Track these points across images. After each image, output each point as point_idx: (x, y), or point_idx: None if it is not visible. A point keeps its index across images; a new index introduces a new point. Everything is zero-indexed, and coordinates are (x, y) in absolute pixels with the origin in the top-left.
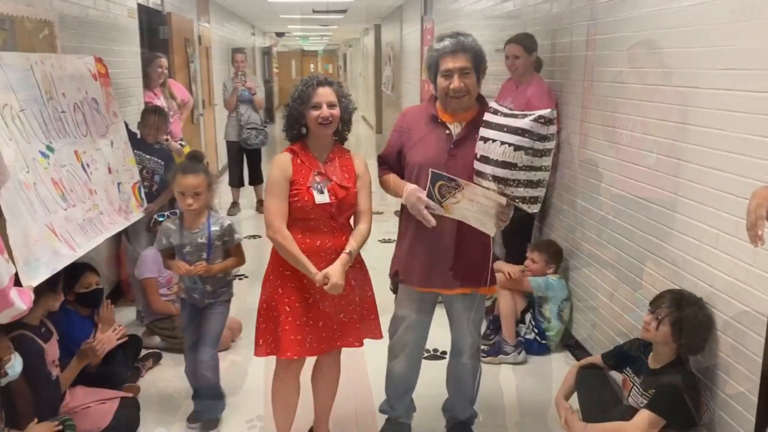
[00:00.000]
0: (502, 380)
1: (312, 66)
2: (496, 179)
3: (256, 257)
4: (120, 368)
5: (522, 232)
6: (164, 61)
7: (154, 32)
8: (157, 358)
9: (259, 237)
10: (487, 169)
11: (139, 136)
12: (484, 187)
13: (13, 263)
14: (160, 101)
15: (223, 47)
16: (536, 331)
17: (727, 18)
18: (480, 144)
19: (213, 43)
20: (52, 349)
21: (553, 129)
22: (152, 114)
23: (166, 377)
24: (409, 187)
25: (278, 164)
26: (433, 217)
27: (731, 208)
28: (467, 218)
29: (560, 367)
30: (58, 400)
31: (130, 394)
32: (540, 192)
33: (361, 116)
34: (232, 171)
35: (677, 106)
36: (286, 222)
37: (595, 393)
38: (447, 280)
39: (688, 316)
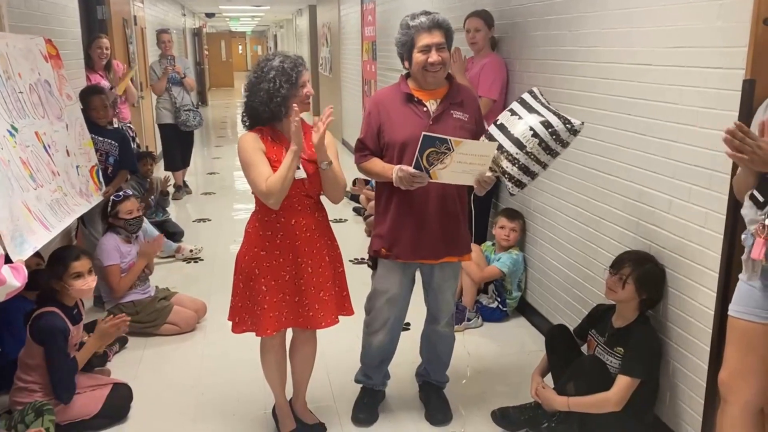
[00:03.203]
0: (467, 346)
1: (240, 47)
2: (501, 148)
3: (209, 240)
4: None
5: (484, 209)
6: (106, 41)
7: (92, 12)
8: (123, 342)
9: (209, 220)
10: (500, 137)
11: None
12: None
13: (0, 241)
14: (106, 84)
15: (156, 28)
16: (498, 300)
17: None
18: (506, 114)
19: (147, 23)
20: (77, 333)
21: (572, 139)
22: (94, 95)
23: (161, 364)
24: (396, 167)
25: (248, 141)
26: (416, 191)
27: (683, 175)
28: (453, 179)
29: (518, 331)
30: (74, 385)
31: (124, 381)
32: (528, 181)
33: None
34: (172, 154)
35: (631, 82)
36: None
37: (561, 350)
38: (434, 251)
39: (648, 272)
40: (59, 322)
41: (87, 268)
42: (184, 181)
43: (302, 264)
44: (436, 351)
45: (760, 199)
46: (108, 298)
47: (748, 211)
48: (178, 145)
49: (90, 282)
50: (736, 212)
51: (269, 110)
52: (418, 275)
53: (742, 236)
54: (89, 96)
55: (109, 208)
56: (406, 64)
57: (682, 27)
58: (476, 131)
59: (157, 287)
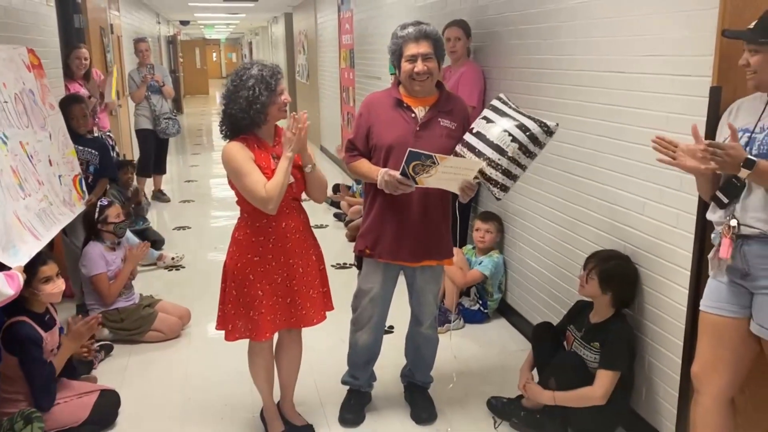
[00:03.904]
0: (450, 347)
1: (215, 55)
2: (483, 156)
3: (190, 248)
4: (76, 361)
5: (464, 214)
6: (85, 51)
7: (70, 21)
8: (108, 350)
9: (189, 228)
10: (479, 145)
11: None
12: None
13: None
14: (84, 92)
15: (132, 36)
16: (480, 302)
17: (648, 9)
18: (480, 122)
19: (123, 32)
20: (52, 338)
21: (548, 140)
22: (74, 104)
23: (147, 371)
24: (382, 170)
25: (237, 150)
26: (401, 196)
27: (657, 178)
28: (438, 185)
29: (499, 332)
30: (54, 391)
31: (111, 387)
32: (511, 184)
33: None
34: (147, 160)
35: (604, 89)
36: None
37: (546, 346)
38: (414, 253)
39: (612, 268)
40: (29, 330)
41: (55, 272)
42: (161, 189)
43: (293, 265)
44: (420, 352)
45: (724, 200)
46: (96, 305)
47: (712, 214)
48: (154, 151)
49: (60, 285)
50: (705, 212)
51: (248, 117)
52: (402, 278)
53: (712, 236)
54: (69, 105)
55: (97, 214)
56: (398, 71)
57: (652, 36)
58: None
59: (141, 295)
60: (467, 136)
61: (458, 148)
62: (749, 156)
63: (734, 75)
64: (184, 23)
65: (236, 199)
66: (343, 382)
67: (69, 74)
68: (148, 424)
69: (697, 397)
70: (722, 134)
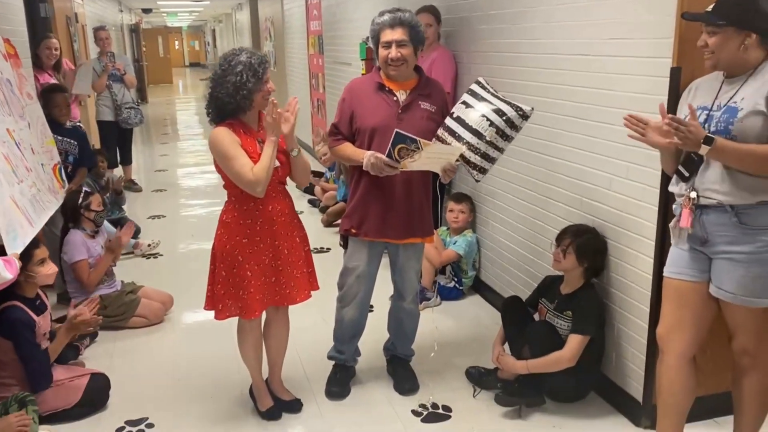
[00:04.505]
0: (428, 323)
1: (177, 43)
2: (462, 140)
3: (165, 236)
4: (65, 348)
5: (438, 197)
6: (55, 41)
7: (36, 10)
8: (93, 336)
9: (163, 217)
10: (459, 129)
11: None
12: (445, 142)
13: None
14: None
15: (95, 25)
16: (455, 280)
17: None
18: (460, 106)
19: (87, 20)
20: (44, 322)
21: (524, 124)
22: (57, 93)
23: (133, 355)
24: (368, 153)
25: (224, 134)
26: (385, 177)
27: (621, 155)
28: (421, 168)
29: (474, 308)
30: (49, 372)
31: (102, 371)
32: (490, 166)
33: None
34: (109, 152)
35: (571, 71)
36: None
37: (515, 319)
38: (399, 231)
39: (588, 242)
40: (22, 314)
41: (47, 254)
42: (132, 179)
43: (279, 246)
44: (402, 326)
45: (685, 173)
46: (77, 294)
47: (674, 186)
48: (117, 142)
49: (53, 267)
50: (668, 185)
51: (234, 102)
52: (385, 257)
53: (673, 207)
54: (52, 94)
55: (81, 200)
56: (376, 57)
57: (615, 20)
58: (442, 122)
59: (123, 282)
60: (448, 121)
61: (440, 132)
62: (708, 134)
63: (693, 56)
64: (147, 11)
65: (223, 183)
66: (329, 357)
67: (38, 64)
68: (139, 405)
69: (662, 357)
70: (682, 112)
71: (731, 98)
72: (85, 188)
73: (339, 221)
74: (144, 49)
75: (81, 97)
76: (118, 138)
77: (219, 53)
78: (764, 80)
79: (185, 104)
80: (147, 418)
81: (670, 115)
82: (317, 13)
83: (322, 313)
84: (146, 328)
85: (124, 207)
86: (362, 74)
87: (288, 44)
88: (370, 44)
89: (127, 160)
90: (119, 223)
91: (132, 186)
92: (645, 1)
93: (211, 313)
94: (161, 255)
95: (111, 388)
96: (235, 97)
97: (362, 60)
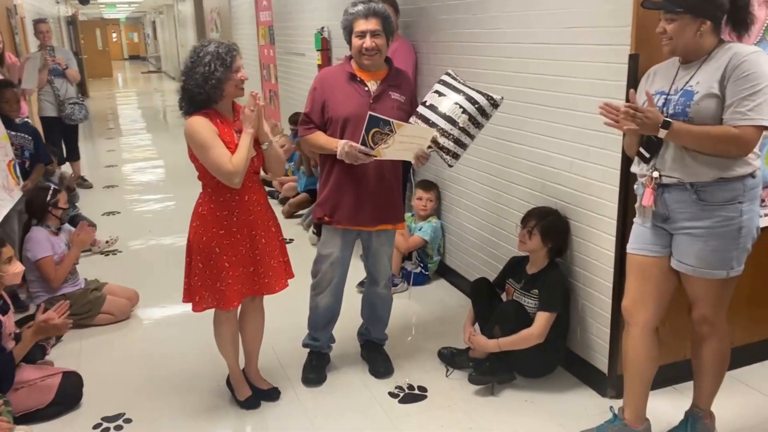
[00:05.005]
0: (397, 308)
1: (115, 35)
2: (436, 126)
3: (122, 232)
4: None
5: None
6: None
7: None
8: (58, 336)
9: (118, 213)
10: (432, 116)
11: None
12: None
13: None
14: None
15: (34, 17)
16: (422, 265)
17: None
18: (432, 95)
19: (26, 13)
20: (9, 322)
21: (494, 112)
22: (7, 88)
23: (103, 352)
24: (342, 142)
25: (202, 124)
26: (358, 165)
27: (582, 139)
28: (395, 156)
29: (440, 292)
30: (12, 374)
31: (73, 369)
32: (461, 152)
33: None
34: (57, 148)
35: (531, 59)
36: None
37: (484, 300)
38: (372, 218)
39: (552, 223)
40: None
41: (13, 253)
42: (82, 176)
43: (256, 236)
44: (376, 311)
45: (646, 155)
46: (41, 292)
47: (636, 167)
48: (63, 138)
49: (20, 265)
50: (628, 167)
51: (204, 92)
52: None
53: (635, 187)
54: (1, 89)
55: (49, 197)
56: (349, 47)
57: (575, 9)
58: (411, 112)
59: (86, 279)
60: (420, 108)
61: (412, 119)
62: (666, 118)
63: (650, 43)
64: (84, 2)
65: (197, 174)
66: (304, 345)
67: None
68: (114, 401)
69: (628, 329)
70: (640, 98)
71: (687, 82)
72: (53, 186)
73: (300, 212)
74: (82, 41)
75: (28, 92)
76: (63, 134)
77: (160, 45)
78: (718, 65)
79: (127, 98)
80: (124, 414)
81: (626, 103)
82: (267, 3)
83: (291, 302)
84: (113, 324)
85: (77, 204)
86: (317, 64)
87: (236, 35)
88: (343, 34)
89: (74, 156)
90: (73, 221)
91: (83, 182)
92: None
93: (179, 307)
94: (120, 252)
95: (84, 385)
96: (205, 87)
97: (318, 50)
